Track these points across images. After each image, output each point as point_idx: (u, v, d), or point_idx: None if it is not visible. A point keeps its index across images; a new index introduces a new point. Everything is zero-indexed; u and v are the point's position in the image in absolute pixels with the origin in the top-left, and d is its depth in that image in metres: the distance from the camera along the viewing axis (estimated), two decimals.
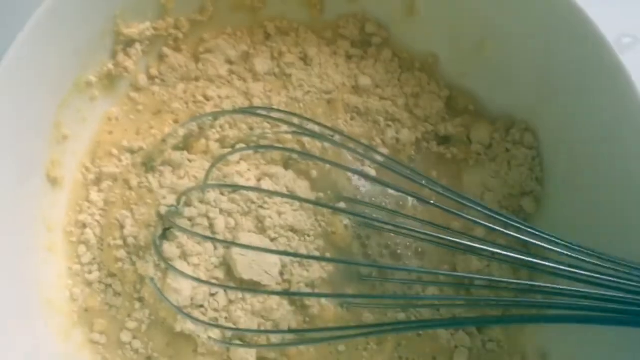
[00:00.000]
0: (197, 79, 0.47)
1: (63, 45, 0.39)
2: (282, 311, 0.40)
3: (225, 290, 0.40)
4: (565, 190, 0.45)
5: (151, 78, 0.46)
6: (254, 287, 0.40)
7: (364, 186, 0.45)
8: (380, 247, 0.44)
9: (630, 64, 0.46)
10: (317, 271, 0.42)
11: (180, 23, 0.46)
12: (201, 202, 0.41)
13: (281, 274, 0.41)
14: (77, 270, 0.42)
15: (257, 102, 0.46)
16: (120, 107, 0.46)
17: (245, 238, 0.40)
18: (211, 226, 0.40)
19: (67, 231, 0.43)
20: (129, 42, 0.44)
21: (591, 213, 0.42)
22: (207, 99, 0.46)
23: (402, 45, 0.49)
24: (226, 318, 0.40)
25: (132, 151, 0.44)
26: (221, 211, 0.41)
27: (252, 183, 0.42)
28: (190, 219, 0.40)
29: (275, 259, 0.40)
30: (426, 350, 0.43)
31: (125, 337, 0.41)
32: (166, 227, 0.41)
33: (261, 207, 0.41)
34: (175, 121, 0.45)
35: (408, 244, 0.44)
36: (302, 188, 0.44)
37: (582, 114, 0.42)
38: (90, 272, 0.42)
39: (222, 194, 0.41)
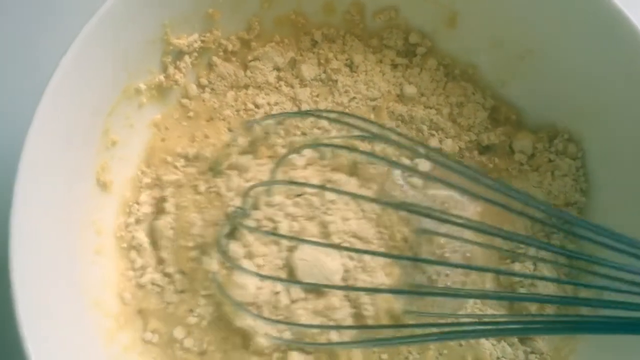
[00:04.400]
0: (246, 87, 0.48)
1: (115, 53, 0.40)
2: (343, 312, 0.40)
3: (288, 290, 0.40)
4: (610, 202, 0.44)
5: (201, 87, 0.47)
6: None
7: (414, 196, 0.45)
8: (431, 254, 0.43)
9: None
10: (380, 277, 0.41)
11: (228, 39, 0.47)
12: (267, 205, 0.41)
13: (344, 279, 0.41)
14: (128, 274, 0.43)
15: (305, 107, 0.47)
16: (170, 115, 0.47)
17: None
18: (275, 229, 0.41)
19: (117, 236, 0.44)
20: (179, 55, 0.45)
21: (637, 226, 0.41)
22: (257, 106, 0.47)
23: (447, 55, 0.49)
24: (287, 317, 0.40)
25: (187, 158, 0.45)
26: (286, 215, 0.41)
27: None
28: (256, 221, 0.41)
29: (337, 265, 0.40)
30: None
31: (179, 333, 0.41)
32: (232, 227, 0.41)
33: (325, 212, 0.41)
34: (229, 128, 0.46)
35: (456, 248, 0.43)
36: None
37: (628, 125, 0.42)
38: (142, 275, 0.43)
39: (287, 197, 0.42)
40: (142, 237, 0.44)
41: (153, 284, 0.43)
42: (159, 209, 0.44)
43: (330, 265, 0.40)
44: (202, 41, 0.46)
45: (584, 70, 0.43)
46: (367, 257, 0.41)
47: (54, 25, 0.53)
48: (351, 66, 0.48)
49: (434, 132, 0.47)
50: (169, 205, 0.44)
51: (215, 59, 0.47)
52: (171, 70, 0.45)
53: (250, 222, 0.41)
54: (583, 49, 0.42)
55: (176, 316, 0.42)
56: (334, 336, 0.40)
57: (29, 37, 0.54)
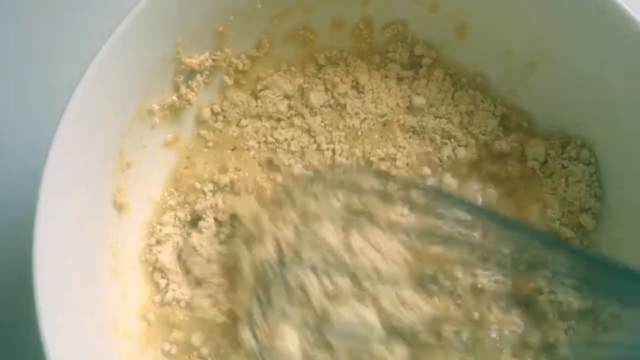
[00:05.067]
0: (258, 116, 0.48)
1: (131, 73, 0.40)
2: None
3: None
4: (626, 206, 0.44)
5: (214, 114, 0.48)
6: None
7: None
8: None
9: None
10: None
11: (238, 57, 0.47)
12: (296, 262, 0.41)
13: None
14: (152, 296, 0.43)
15: (320, 138, 0.47)
16: (188, 143, 0.48)
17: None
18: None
19: (141, 259, 0.44)
20: (190, 74, 0.45)
21: None
22: (278, 141, 0.47)
23: (452, 65, 0.50)
24: None
25: (218, 184, 0.46)
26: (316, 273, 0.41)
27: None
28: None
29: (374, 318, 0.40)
30: None
31: (197, 340, 0.42)
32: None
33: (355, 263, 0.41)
34: (258, 162, 0.47)
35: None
36: None
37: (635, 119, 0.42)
38: (166, 293, 0.43)
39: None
40: (165, 257, 0.43)
41: (178, 299, 0.43)
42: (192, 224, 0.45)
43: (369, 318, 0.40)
44: (213, 60, 0.46)
45: (593, 75, 0.43)
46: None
47: (72, 45, 0.54)
48: (357, 87, 0.49)
49: (446, 140, 0.47)
50: (171, 224, 0.45)
51: (227, 79, 0.47)
52: (183, 89, 0.45)
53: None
54: (591, 54, 0.43)
55: (203, 321, 0.42)
56: None
57: (46, 57, 0.54)
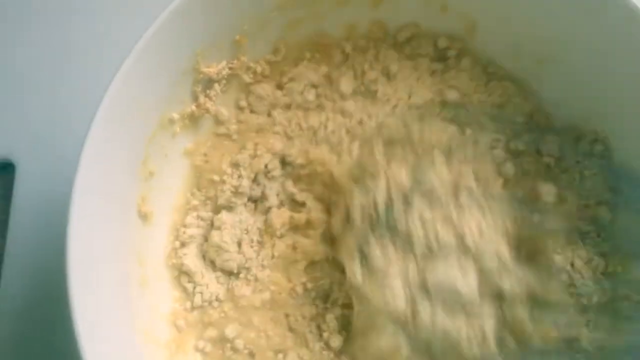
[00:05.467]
0: (287, 106, 0.48)
1: (154, 84, 0.41)
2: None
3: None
4: None
5: (240, 109, 0.48)
6: None
7: None
8: None
9: None
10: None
11: (257, 62, 0.48)
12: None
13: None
14: (181, 301, 0.44)
15: (357, 118, 0.47)
16: (208, 141, 0.48)
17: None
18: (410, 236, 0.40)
19: (168, 265, 0.45)
20: (208, 83, 0.46)
21: None
22: (312, 128, 0.48)
23: (478, 56, 0.50)
24: None
25: (237, 165, 0.46)
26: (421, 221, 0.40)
27: None
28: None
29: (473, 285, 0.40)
30: None
31: (231, 332, 0.43)
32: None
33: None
34: (288, 137, 0.47)
35: None
36: None
37: None
38: (195, 296, 0.44)
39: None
40: (190, 260, 0.44)
41: (210, 300, 0.44)
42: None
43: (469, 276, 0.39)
44: (230, 68, 0.47)
45: (604, 70, 0.44)
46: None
47: (98, 54, 0.55)
48: (388, 75, 0.49)
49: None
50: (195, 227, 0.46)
51: (247, 79, 0.48)
52: (202, 99, 0.46)
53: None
54: (601, 49, 0.43)
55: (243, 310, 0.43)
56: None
57: (61, 77, 0.55)
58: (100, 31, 0.56)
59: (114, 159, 0.40)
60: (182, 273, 0.45)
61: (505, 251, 0.40)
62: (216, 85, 0.47)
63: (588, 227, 0.46)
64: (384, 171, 0.42)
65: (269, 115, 0.48)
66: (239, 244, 0.45)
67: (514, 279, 0.40)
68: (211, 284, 0.45)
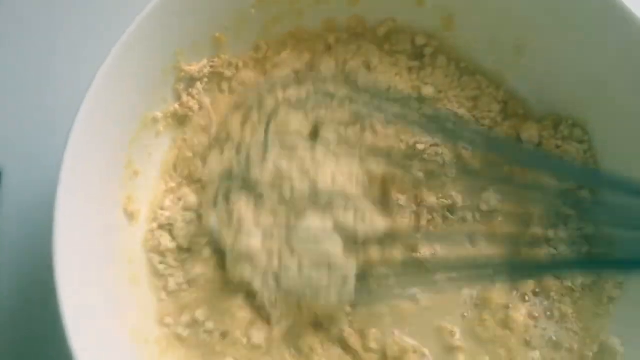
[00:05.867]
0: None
1: (134, 84, 0.41)
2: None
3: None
4: None
5: (222, 91, 0.49)
6: None
7: None
8: None
9: None
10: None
11: (236, 61, 0.48)
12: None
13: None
14: (162, 294, 0.44)
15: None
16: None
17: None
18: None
19: (146, 248, 0.45)
20: (190, 82, 0.46)
21: None
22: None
23: (453, 51, 0.51)
24: None
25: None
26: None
27: None
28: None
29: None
30: None
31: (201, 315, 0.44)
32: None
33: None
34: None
35: None
36: None
37: (627, 102, 0.43)
38: (169, 281, 0.44)
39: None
40: (166, 241, 0.45)
41: (180, 283, 0.45)
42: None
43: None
44: (212, 66, 0.47)
45: (580, 56, 0.45)
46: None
47: (67, 69, 0.55)
48: (368, 67, 0.50)
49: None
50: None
51: (229, 74, 0.48)
52: (184, 97, 0.46)
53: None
54: (576, 36, 0.44)
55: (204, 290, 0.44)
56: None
57: (43, 81, 0.55)
58: (83, 33, 0.56)
59: (98, 160, 0.40)
60: (157, 254, 0.45)
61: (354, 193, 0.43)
62: (198, 84, 0.47)
63: (570, 210, 0.47)
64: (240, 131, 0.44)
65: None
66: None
67: (367, 223, 0.42)
68: (184, 265, 0.45)
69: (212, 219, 0.43)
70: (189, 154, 0.47)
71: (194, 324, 0.43)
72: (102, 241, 0.40)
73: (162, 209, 0.46)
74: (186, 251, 0.45)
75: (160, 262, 0.45)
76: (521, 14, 0.46)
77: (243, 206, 0.42)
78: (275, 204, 0.42)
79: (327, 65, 0.49)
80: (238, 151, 0.43)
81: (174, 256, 0.45)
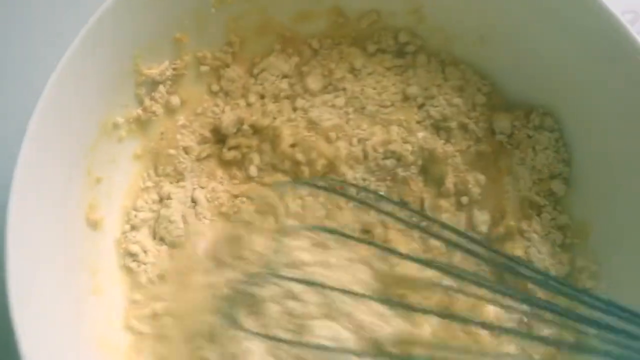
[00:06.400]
0: (261, 96, 0.49)
1: (89, 90, 0.40)
2: None
3: None
4: (594, 167, 0.45)
5: (213, 93, 0.49)
6: None
7: None
8: None
9: None
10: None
11: (203, 59, 0.47)
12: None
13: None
14: (134, 296, 0.44)
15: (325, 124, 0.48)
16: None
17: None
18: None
19: (118, 252, 0.44)
20: (152, 85, 0.45)
21: (622, 188, 0.42)
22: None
23: (432, 46, 0.50)
24: None
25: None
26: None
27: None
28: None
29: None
30: None
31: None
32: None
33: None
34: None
35: None
36: None
37: (596, 89, 0.43)
38: (146, 307, 0.43)
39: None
40: (140, 240, 0.45)
41: (152, 280, 0.44)
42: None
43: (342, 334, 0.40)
44: (174, 69, 0.46)
45: (546, 45, 0.44)
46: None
47: (22, 73, 0.53)
48: (354, 72, 0.49)
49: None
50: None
51: (203, 69, 0.48)
52: (147, 102, 0.45)
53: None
54: (542, 24, 0.43)
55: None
56: None
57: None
58: (36, 36, 0.54)
59: (54, 167, 0.39)
60: (129, 255, 0.44)
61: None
62: (161, 87, 0.46)
63: (544, 200, 0.47)
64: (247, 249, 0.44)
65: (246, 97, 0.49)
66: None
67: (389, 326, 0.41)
68: (156, 260, 0.45)
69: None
70: (172, 151, 0.47)
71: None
72: (60, 252, 0.39)
73: (135, 209, 0.46)
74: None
75: (133, 260, 0.44)
76: (487, 4, 0.45)
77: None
78: (281, 320, 0.41)
79: (315, 79, 0.49)
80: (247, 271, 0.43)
81: (147, 254, 0.45)
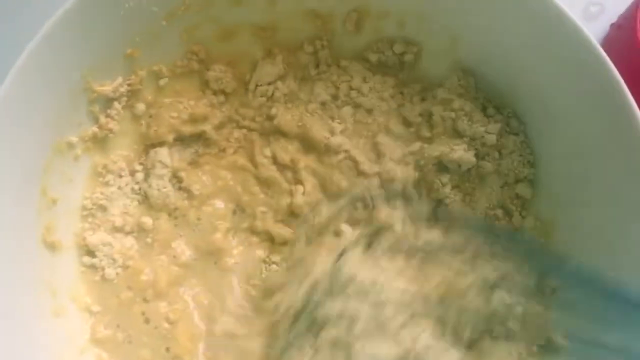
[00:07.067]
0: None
1: (36, 111, 0.40)
2: None
3: None
4: (557, 168, 0.44)
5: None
6: None
7: None
8: None
9: (597, 31, 0.48)
10: None
11: (159, 72, 0.46)
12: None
13: None
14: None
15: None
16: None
17: None
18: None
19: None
20: (107, 102, 0.44)
21: (586, 185, 0.42)
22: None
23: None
24: None
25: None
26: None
27: None
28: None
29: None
30: None
31: None
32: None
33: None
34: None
35: None
36: None
37: (557, 87, 0.42)
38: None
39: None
40: (99, 234, 0.45)
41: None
42: None
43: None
44: (129, 84, 0.45)
45: (511, 48, 0.43)
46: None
47: None
48: (359, 89, 0.48)
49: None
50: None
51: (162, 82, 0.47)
52: (102, 119, 0.45)
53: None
54: (506, 27, 0.43)
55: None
56: None
57: None
58: None
59: (4, 190, 0.38)
60: (89, 252, 0.44)
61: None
62: (116, 104, 0.45)
63: (511, 205, 0.46)
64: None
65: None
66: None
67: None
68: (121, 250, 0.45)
69: None
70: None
71: None
72: (14, 276, 0.39)
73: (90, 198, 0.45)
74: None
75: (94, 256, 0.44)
76: (455, 5, 0.44)
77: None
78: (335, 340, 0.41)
79: (320, 90, 0.48)
80: (313, 287, 0.42)
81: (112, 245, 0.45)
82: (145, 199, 0.47)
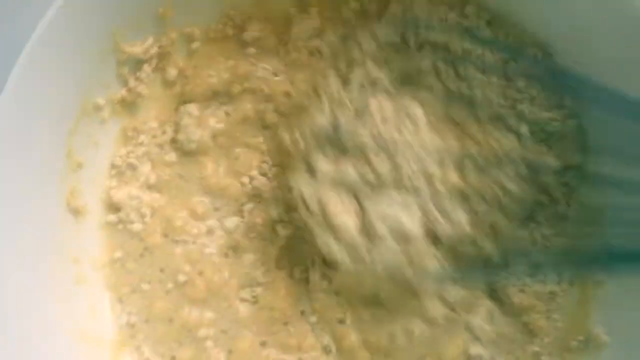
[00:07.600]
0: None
1: (65, 71, 0.38)
2: None
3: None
4: None
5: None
6: None
7: None
8: None
9: None
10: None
11: (192, 35, 0.44)
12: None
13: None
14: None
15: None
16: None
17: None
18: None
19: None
20: (137, 64, 0.43)
21: None
22: None
23: None
24: None
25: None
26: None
27: None
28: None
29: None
30: None
31: None
32: None
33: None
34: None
35: None
36: None
37: None
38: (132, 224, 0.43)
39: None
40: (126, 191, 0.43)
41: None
42: None
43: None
44: (159, 46, 0.43)
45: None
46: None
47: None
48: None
49: None
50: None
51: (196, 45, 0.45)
52: (132, 82, 0.43)
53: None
54: None
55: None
56: None
57: None
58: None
59: (30, 155, 0.37)
60: (115, 209, 0.43)
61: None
62: (146, 66, 0.43)
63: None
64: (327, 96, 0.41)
65: None
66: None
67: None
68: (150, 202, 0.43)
69: (304, 188, 0.39)
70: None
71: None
72: (37, 241, 0.38)
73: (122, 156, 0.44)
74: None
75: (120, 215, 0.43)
76: None
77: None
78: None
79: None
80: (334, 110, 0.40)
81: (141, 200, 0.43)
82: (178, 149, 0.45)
